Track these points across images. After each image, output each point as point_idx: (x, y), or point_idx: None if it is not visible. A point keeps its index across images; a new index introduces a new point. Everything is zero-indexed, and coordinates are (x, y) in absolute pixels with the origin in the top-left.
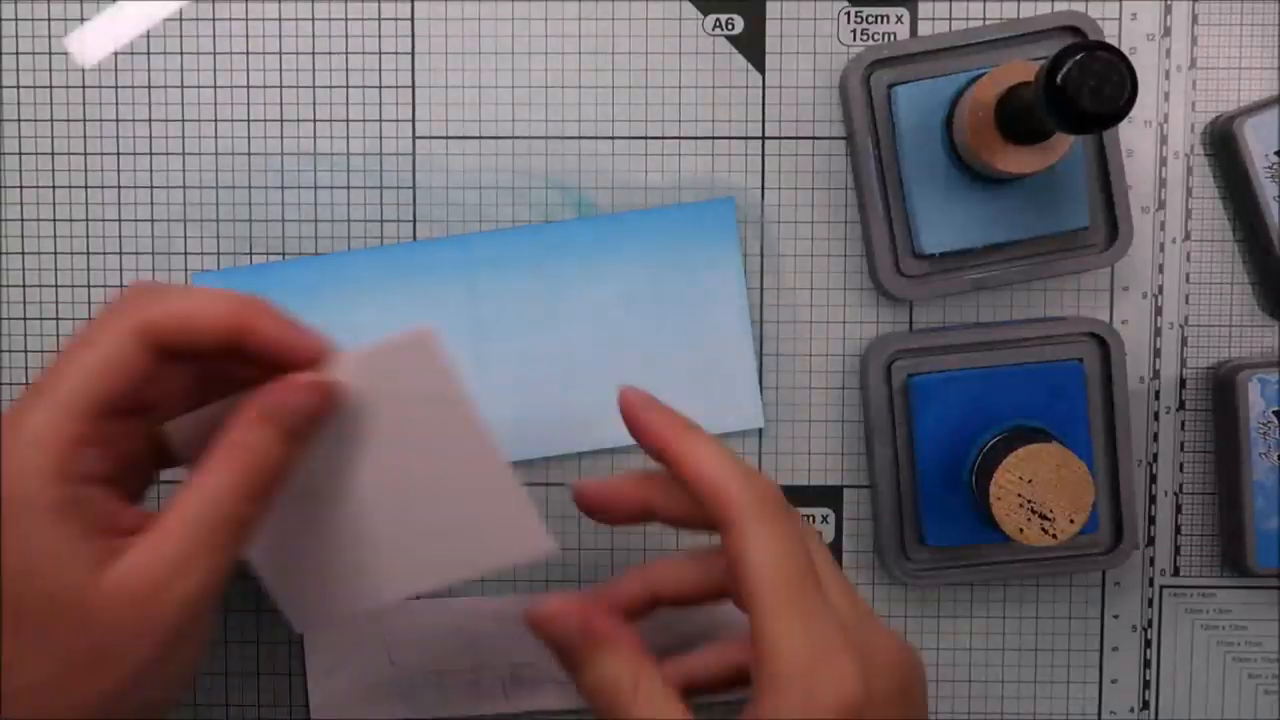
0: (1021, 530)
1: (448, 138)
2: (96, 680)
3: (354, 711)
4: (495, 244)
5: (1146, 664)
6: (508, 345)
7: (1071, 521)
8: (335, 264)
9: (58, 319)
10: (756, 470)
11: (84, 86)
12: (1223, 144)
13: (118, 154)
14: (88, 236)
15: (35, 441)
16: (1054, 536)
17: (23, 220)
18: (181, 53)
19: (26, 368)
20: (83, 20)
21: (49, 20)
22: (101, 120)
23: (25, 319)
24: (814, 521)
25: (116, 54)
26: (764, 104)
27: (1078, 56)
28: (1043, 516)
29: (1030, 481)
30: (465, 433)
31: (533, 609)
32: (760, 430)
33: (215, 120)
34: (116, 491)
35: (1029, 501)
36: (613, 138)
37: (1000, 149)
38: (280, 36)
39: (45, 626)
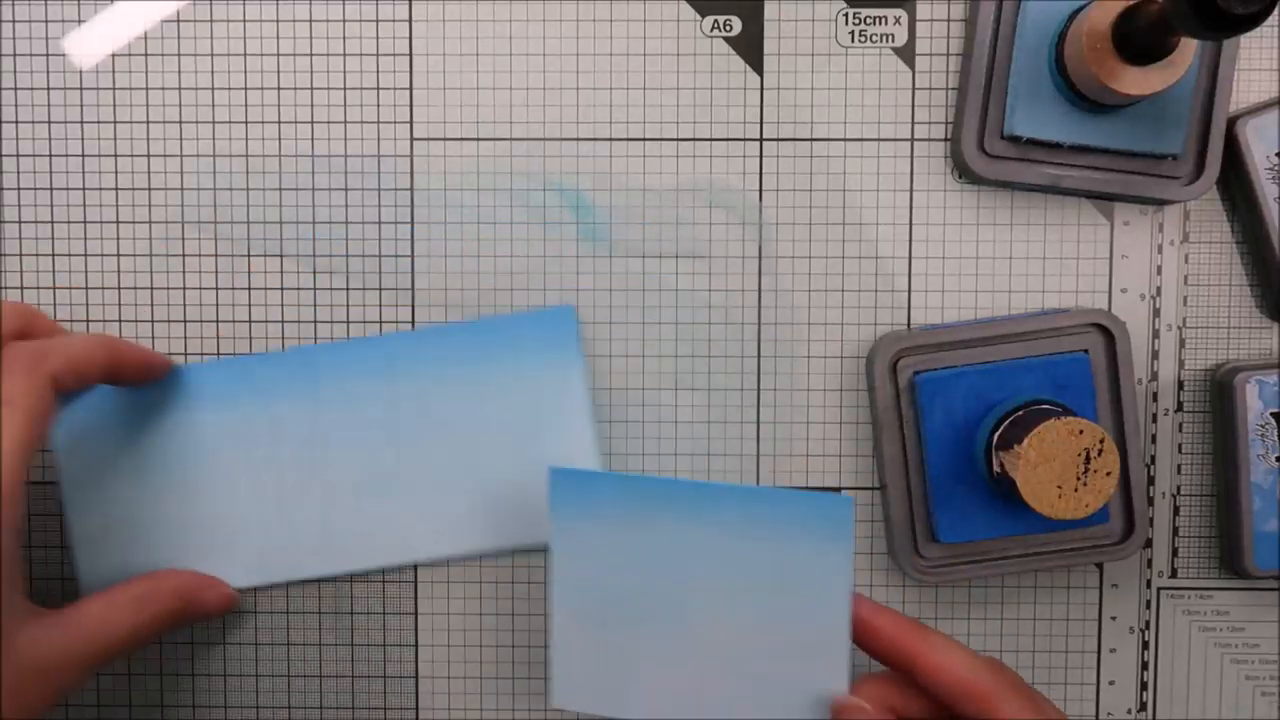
0: (1059, 489)
1: (445, 139)
2: None
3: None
4: (340, 354)
5: (1144, 665)
6: (350, 454)
7: (1109, 473)
8: (181, 377)
9: (54, 321)
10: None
11: (81, 88)
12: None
13: (115, 155)
14: (85, 239)
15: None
16: (1084, 483)
17: (20, 222)
18: (179, 54)
19: None
20: (80, 22)
21: (46, 22)
22: (99, 122)
23: None
24: None
25: (114, 56)
26: (762, 105)
27: None
28: (1071, 478)
29: (1054, 461)
30: (832, 606)
31: (840, 700)
32: (757, 429)
33: (213, 122)
34: None
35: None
36: (610, 139)
37: (1119, 70)
38: (278, 38)
39: None
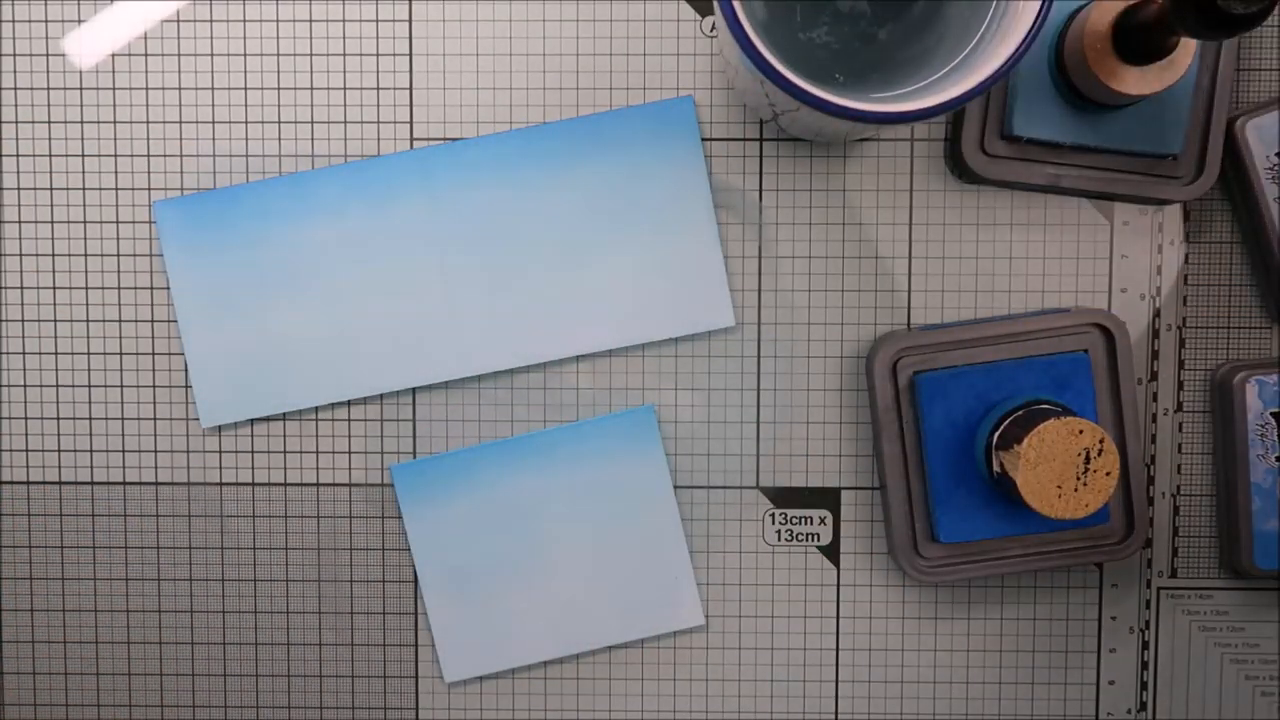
0: (1059, 489)
1: (445, 139)
2: None
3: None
4: (455, 155)
5: (1144, 665)
6: (471, 256)
7: (1109, 473)
8: (296, 183)
9: (55, 320)
10: None
11: (81, 88)
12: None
13: (115, 155)
14: (85, 238)
15: None
16: (1085, 483)
17: (20, 222)
18: (179, 54)
19: (24, 369)
20: (80, 22)
21: (46, 22)
22: (99, 122)
23: (23, 320)
24: (811, 523)
25: (114, 56)
26: None
27: None
28: (1071, 478)
29: (1054, 461)
30: (660, 502)
31: None
32: (757, 429)
33: (213, 122)
34: None
35: (1055, 472)
36: None
37: (1119, 71)
38: (277, 39)
39: None
